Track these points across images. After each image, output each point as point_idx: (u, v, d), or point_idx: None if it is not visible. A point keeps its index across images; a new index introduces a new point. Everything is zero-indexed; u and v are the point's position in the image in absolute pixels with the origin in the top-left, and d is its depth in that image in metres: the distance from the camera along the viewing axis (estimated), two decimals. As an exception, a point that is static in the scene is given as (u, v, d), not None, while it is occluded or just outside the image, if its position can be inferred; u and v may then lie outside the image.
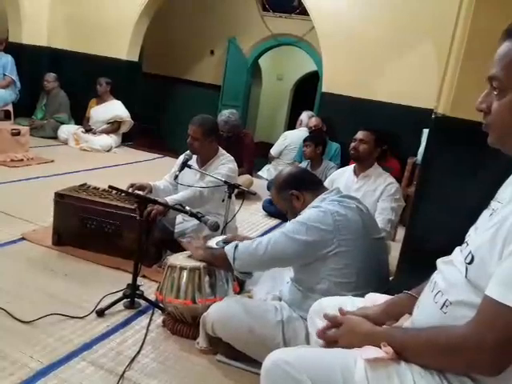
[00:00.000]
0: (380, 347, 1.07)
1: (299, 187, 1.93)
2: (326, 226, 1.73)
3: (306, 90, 8.72)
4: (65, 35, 6.56)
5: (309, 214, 1.80)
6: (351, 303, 1.45)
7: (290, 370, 1.08)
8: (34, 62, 6.41)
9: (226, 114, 4.58)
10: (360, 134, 3.01)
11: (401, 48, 5.07)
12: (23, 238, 2.86)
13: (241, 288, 2.26)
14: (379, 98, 5.12)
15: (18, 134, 4.80)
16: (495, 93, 0.98)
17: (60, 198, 2.78)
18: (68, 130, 5.96)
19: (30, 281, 2.37)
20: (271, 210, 4.12)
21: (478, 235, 1.03)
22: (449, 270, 1.09)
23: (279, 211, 3.93)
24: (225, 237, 2.20)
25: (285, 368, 1.09)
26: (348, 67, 5.33)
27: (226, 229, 2.66)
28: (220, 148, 3.06)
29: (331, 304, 1.46)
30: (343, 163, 4.72)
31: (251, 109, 8.26)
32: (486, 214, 1.07)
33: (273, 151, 5.52)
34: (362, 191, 2.88)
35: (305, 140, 4.45)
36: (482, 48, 1.93)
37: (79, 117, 6.27)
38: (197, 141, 2.86)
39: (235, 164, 3.01)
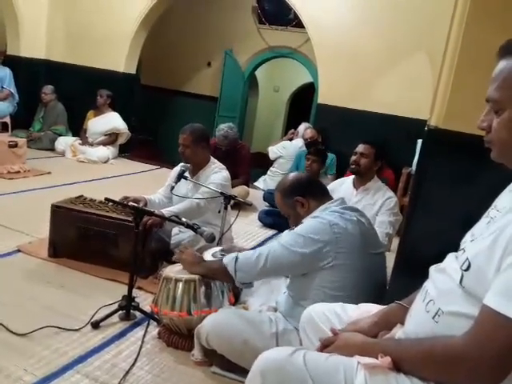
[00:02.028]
0: (376, 358, 1.07)
1: (305, 194, 1.91)
2: (324, 237, 1.72)
3: (303, 102, 8.77)
4: (62, 48, 6.61)
5: (308, 224, 1.79)
6: (341, 309, 1.45)
7: (290, 368, 1.10)
8: (31, 74, 6.45)
9: (224, 129, 4.54)
10: (361, 148, 3.02)
11: (396, 60, 5.13)
12: (19, 250, 2.85)
13: (236, 299, 2.26)
14: (374, 109, 5.17)
15: (16, 145, 4.81)
16: (494, 111, 1.01)
17: (56, 209, 2.79)
18: (65, 142, 5.98)
19: (26, 293, 2.36)
20: (267, 221, 4.12)
21: (475, 242, 1.03)
22: (441, 278, 1.09)
23: (275, 222, 4.02)
24: (221, 248, 2.20)
25: (287, 368, 1.11)
26: (343, 79, 5.39)
27: (222, 239, 2.67)
28: (212, 157, 3.08)
29: (320, 312, 1.46)
30: (338, 174, 4.75)
31: (248, 120, 8.31)
32: (483, 221, 1.08)
33: (270, 154, 5.64)
34: (361, 204, 2.88)
35: (309, 153, 4.29)
36: (474, 61, 1.96)
37: (77, 129, 6.29)
38: (188, 148, 2.90)
39: (227, 172, 3.04)
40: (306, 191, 1.92)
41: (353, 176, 3.11)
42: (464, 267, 1.00)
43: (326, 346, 1.23)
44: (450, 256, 1.13)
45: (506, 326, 0.87)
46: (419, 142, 4.09)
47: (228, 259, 1.86)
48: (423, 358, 1.02)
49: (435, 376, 1.01)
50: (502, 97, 0.99)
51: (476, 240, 1.04)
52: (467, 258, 1.00)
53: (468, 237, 1.10)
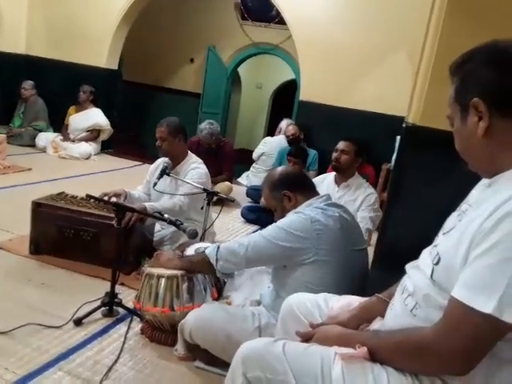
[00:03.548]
0: (354, 349, 1.10)
1: (292, 188, 1.92)
2: (306, 233, 1.75)
3: (285, 98, 8.80)
4: (43, 43, 6.50)
5: (290, 219, 1.81)
6: (324, 300, 1.48)
7: (269, 358, 1.12)
8: (11, 69, 6.33)
9: (207, 127, 4.53)
10: (341, 145, 3.06)
11: (377, 57, 5.19)
12: (-1, 248, 2.82)
13: (219, 294, 2.27)
14: (355, 105, 5.22)
15: (-5, 142, 4.74)
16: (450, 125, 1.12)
17: (37, 206, 2.76)
18: (46, 138, 5.91)
19: (6, 290, 2.34)
20: (250, 217, 4.14)
21: (445, 236, 1.06)
22: (416, 275, 1.12)
23: (258, 218, 4.04)
24: (207, 245, 2.21)
25: (265, 356, 1.13)
26: (325, 76, 5.43)
27: (205, 235, 2.68)
28: (189, 152, 3.08)
29: (301, 303, 1.48)
30: (320, 170, 4.80)
31: (231, 116, 8.31)
32: (454, 214, 1.10)
33: (253, 155, 5.64)
34: (343, 201, 2.92)
35: (290, 154, 4.29)
36: (451, 59, 2.00)
37: (58, 124, 6.22)
38: (165, 141, 2.90)
39: (205, 167, 3.03)
40: (294, 186, 1.94)
41: (334, 172, 3.16)
42: (435, 261, 1.03)
43: (306, 340, 1.26)
44: (424, 252, 1.16)
45: (471, 317, 0.90)
46: (398, 138, 4.15)
47: (209, 249, 1.88)
48: (396, 349, 1.05)
49: (408, 366, 1.04)
50: (450, 112, 1.10)
51: (447, 233, 1.07)
52: (438, 253, 1.03)
53: (440, 232, 1.13)
